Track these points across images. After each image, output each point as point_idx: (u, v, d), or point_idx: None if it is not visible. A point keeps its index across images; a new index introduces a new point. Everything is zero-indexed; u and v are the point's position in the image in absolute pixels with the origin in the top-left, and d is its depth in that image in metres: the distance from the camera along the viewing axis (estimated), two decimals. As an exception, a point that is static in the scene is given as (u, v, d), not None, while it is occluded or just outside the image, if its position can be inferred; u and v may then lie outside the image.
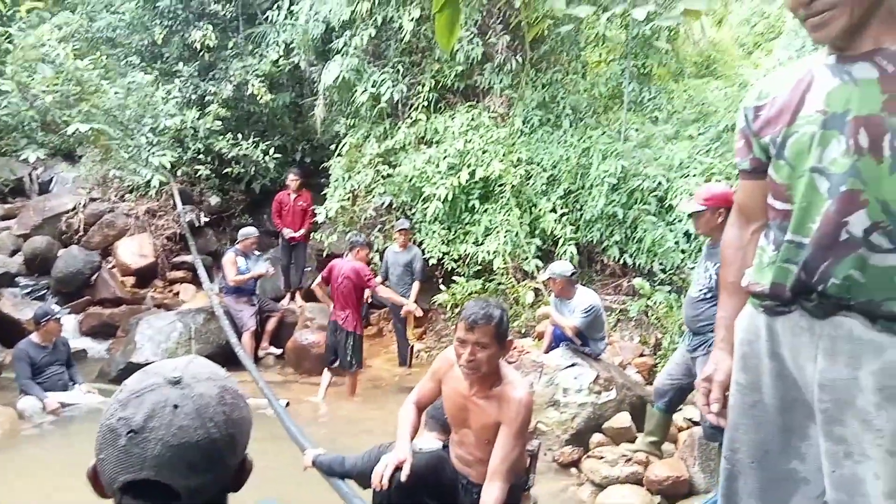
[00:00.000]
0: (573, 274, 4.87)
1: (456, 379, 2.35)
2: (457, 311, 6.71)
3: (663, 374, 3.87)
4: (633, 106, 7.59)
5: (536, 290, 6.34)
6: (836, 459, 1.40)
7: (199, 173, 8.66)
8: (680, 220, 5.95)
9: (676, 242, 5.92)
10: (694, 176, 6.06)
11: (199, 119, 8.53)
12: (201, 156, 8.79)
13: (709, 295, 3.41)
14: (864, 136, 1.29)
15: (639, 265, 6.22)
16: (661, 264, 6.02)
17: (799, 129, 1.40)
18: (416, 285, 6.53)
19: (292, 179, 7.88)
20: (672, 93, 8.16)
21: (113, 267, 8.34)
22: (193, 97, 9.10)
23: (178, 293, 8.36)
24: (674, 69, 8.86)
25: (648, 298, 5.95)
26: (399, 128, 7.51)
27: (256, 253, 7.07)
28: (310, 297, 7.79)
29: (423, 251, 6.77)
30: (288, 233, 7.72)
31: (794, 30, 5.50)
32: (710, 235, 3.46)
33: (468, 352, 2.19)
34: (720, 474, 1.70)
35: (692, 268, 5.09)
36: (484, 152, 6.88)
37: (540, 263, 6.48)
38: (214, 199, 9.43)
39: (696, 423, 4.27)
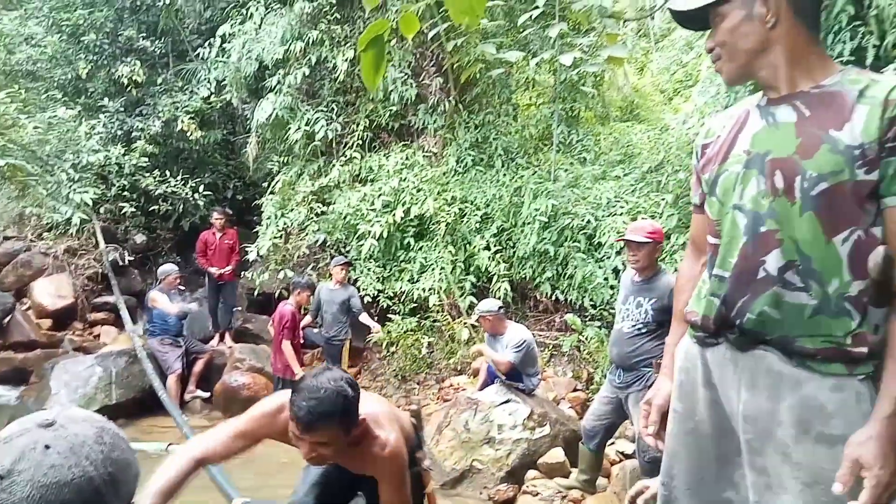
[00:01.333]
0: (501, 309, 4.93)
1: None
2: (392, 349, 6.67)
3: (591, 415, 3.84)
4: (563, 147, 7.84)
5: (472, 327, 6.37)
6: (759, 490, 1.43)
7: (124, 211, 8.36)
8: (608, 257, 6.14)
9: (606, 279, 6.08)
10: (620, 214, 6.28)
11: (124, 155, 8.29)
12: (126, 193, 8.51)
13: (644, 330, 3.47)
14: (780, 178, 1.34)
15: (570, 301, 6.35)
16: (591, 300, 6.16)
17: (728, 168, 1.46)
18: (364, 315, 6.38)
19: (217, 218, 7.69)
20: (599, 135, 8.49)
21: (28, 308, 7.87)
22: (119, 133, 8.85)
23: (98, 336, 7.95)
24: (600, 113, 9.25)
25: (580, 334, 6.07)
26: (333, 166, 7.50)
27: (181, 289, 6.83)
28: (240, 337, 7.58)
29: (358, 289, 6.71)
30: (215, 270, 7.53)
31: (710, 77, 5.84)
32: (645, 269, 3.53)
33: (307, 449, 1.88)
34: (657, 500, 1.71)
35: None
36: (418, 190, 6.95)
37: (475, 300, 6.53)
38: (140, 238, 9.10)
39: (627, 457, 4.35)
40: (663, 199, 6.15)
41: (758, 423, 1.41)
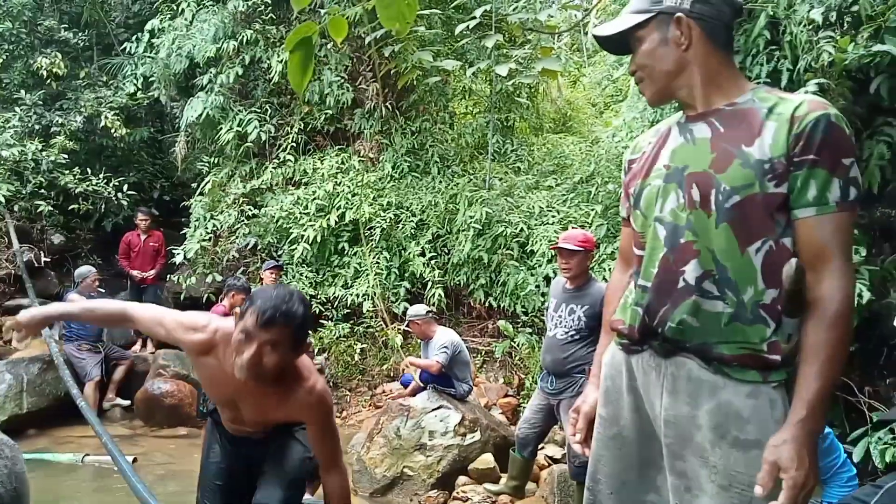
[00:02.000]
0: (430, 313, 5.04)
1: (220, 365, 2.01)
2: (324, 354, 6.57)
3: (524, 424, 3.89)
4: (497, 156, 7.95)
5: (405, 333, 6.36)
6: (679, 493, 1.47)
7: (41, 209, 7.92)
8: (540, 265, 6.25)
9: (537, 286, 6.19)
10: (552, 223, 6.42)
11: (41, 151, 7.86)
12: (43, 190, 8.06)
13: (576, 337, 3.54)
14: (696, 191, 1.40)
15: (503, 307, 6.43)
16: (523, 307, 6.26)
17: (651, 182, 1.52)
18: None
19: (142, 219, 7.42)
20: (533, 146, 8.66)
21: (-71, 312, 7.36)
22: (37, 127, 8.38)
23: (9, 341, 7.49)
24: (534, 124, 9.43)
25: (512, 340, 6.16)
26: (266, 168, 7.36)
27: (101, 292, 6.54)
28: (164, 343, 7.30)
29: (289, 294, 6.58)
30: (137, 274, 7.24)
31: (636, 94, 6.06)
32: (577, 277, 3.60)
33: (253, 351, 1.82)
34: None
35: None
36: (354, 195, 6.90)
37: (409, 306, 6.53)
38: (57, 238, 8.64)
39: (556, 462, 4.44)
40: (593, 210, 6.33)
41: (678, 427, 1.45)
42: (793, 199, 1.35)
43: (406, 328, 6.20)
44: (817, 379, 1.30)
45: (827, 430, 2.77)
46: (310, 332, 2.04)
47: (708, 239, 1.39)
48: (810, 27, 3.76)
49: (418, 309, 5.00)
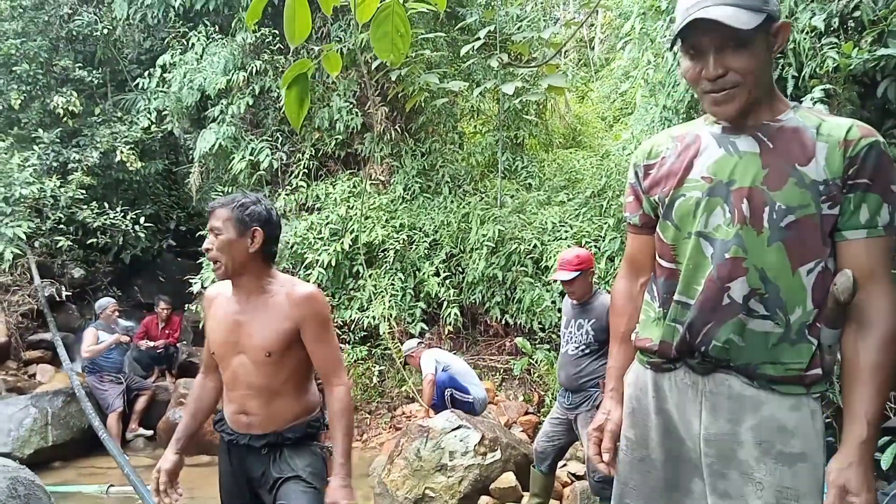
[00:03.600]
0: (421, 344, 5.61)
1: (222, 304, 2.17)
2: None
3: (543, 437, 3.87)
4: (508, 174, 7.99)
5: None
6: None
7: (60, 244, 8.06)
8: (556, 281, 6.24)
9: (553, 302, 6.19)
10: (565, 239, 6.43)
11: (60, 187, 8.02)
12: (63, 226, 8.21)
13: (587, 351, 3.55)
14: (747, 207, 1.37)
15: (520, 324, 6.43)
16: (539, 323, 6.25)
17: (686, 193, 1.46)
18: None
19: (163, 308, 7.46)
20: (543, 162, 8.69)
21: (-45, 350, 7.47)
22: (55, 165, 8.56)
23: (34, 374, 7.58)
24: (544, 140, 9.48)
25: (530, 357, 6.14)
26: (279, 195, 7.45)
27: (121, 322, 6.61)
28: (185, 372, 7.37)
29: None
30: (144, 344, 7.23)
31: (644, 106, 6.08)
32: (583, 297, 3.59)
33: (207, 241, 2.08)
34: None
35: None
36: (366, 218, 6.96)
37: (425, 327, 6.54)
38: (77, 272, 8.77)
39: (579, 478, 4.40)
40: (606, 223, 6.33)
41: (719, 445, 1.43)
42: (842, 222, 1.35)
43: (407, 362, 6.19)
44: (876, 400, 1.30)
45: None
46: (262, 223, 2.06)
47: (757, 257, 1.37)
48: (813, 34, 3.77)
49: (410, 343, 5.52)
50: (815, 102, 3.66)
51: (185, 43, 8.10)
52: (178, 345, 7.61)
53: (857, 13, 3.67)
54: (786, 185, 1.35)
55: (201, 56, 7.86)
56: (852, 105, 3.77)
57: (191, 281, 7.32)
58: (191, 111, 8.18)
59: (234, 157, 7.50)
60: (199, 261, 7.59)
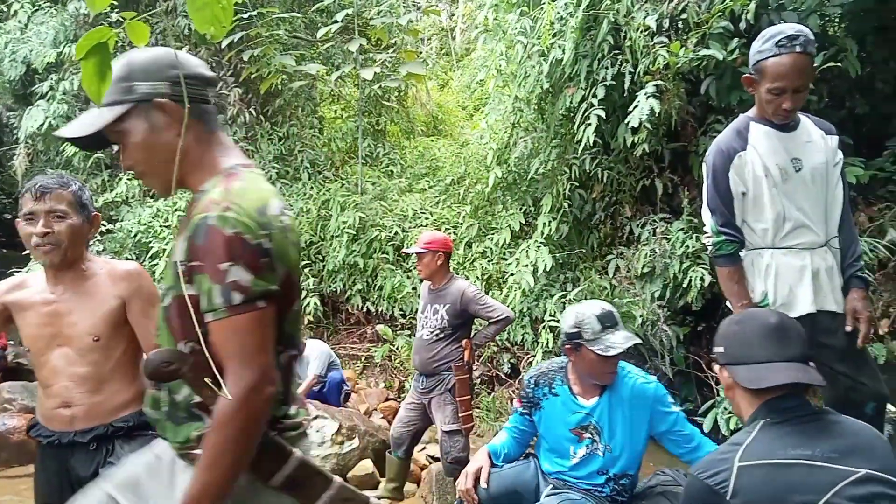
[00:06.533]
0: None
1: (29, 297, 1.97)
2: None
3: (398, 423, 3.90)
4: (369, 160, 7.93)
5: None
6: None
7: None
8: (416, 267, 6.29)
9: (414, 288, 6.23)
10: (426, 225, 6.49)
11: None
12: None
13: (441, 336, 3.60)
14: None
15: (381, 312, 6.41)
16: (401, 310, 6.27)
17: None
18: None
19: None
20: (405, 149, 8.70)
21: None
22: None
23: None
24: (405, 127, 9.48)
25: (392, 343, 6.15)
26: (120, 179, 6.90)
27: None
28: (11, 374, 6.64)
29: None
30: None
31: (498, 97, 6.25)
32: (430, 278, 3.69)
33: (41, 224, 1.85)
34: None
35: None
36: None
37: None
38: None
39: (436, 460, 4.47)
40: (464, 210, 6.45)
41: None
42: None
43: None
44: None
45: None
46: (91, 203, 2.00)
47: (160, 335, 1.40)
48: (646, 33, 4.04)
49: None
50: (648, 97, 3.94)
51: (6, 9, 7.25)
52: (6, 345, 6.84)
53: (684, 15, 3.98)
54: (167, 267, 1.36)
55: (26, 25, 7.09)
56: (680, 100, 4.10)
57: (16, 274, 6.60)
58: (14, 86, 7.36)
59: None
60: (26, 251, 6.86)
